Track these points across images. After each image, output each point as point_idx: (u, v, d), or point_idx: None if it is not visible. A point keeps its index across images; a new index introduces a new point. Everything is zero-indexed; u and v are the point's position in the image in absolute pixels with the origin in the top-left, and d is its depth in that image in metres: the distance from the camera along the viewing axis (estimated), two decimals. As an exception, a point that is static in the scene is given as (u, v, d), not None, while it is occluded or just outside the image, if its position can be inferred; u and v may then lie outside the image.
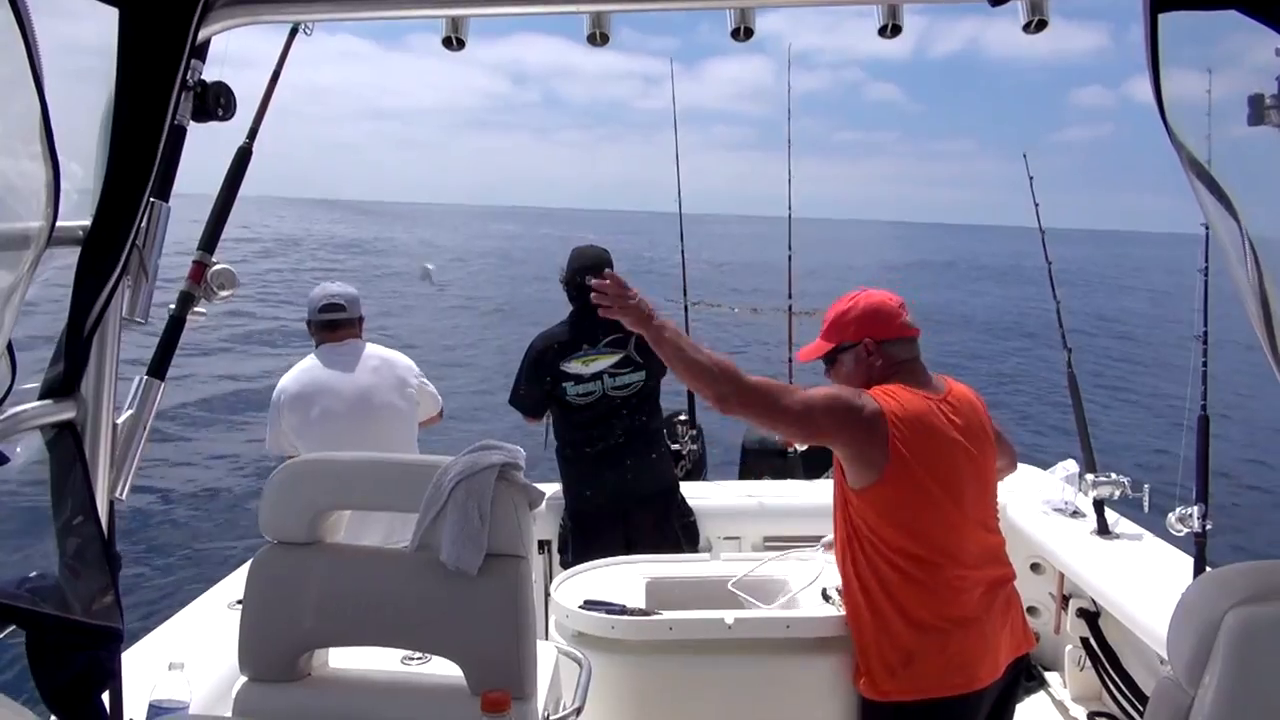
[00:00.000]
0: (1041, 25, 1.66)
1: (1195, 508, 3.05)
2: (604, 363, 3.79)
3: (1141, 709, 3.26)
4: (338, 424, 3.74)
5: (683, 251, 5.73)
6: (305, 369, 3.87)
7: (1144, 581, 3.25)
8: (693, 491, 4.07)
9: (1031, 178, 4.51)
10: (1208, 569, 3.03)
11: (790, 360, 5.27)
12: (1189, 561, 3.17)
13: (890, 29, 1.73)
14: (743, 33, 1.73)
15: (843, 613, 2.54)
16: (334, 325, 3.90)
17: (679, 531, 3.89)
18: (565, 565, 3.86)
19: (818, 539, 3.82)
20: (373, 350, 3.96)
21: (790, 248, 5.78)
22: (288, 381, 3.85)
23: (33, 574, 1.65)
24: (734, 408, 2.31)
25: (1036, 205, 4.45)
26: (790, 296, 5.80)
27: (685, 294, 5.57)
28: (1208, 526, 3.04)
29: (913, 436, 2.32)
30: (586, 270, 3.84)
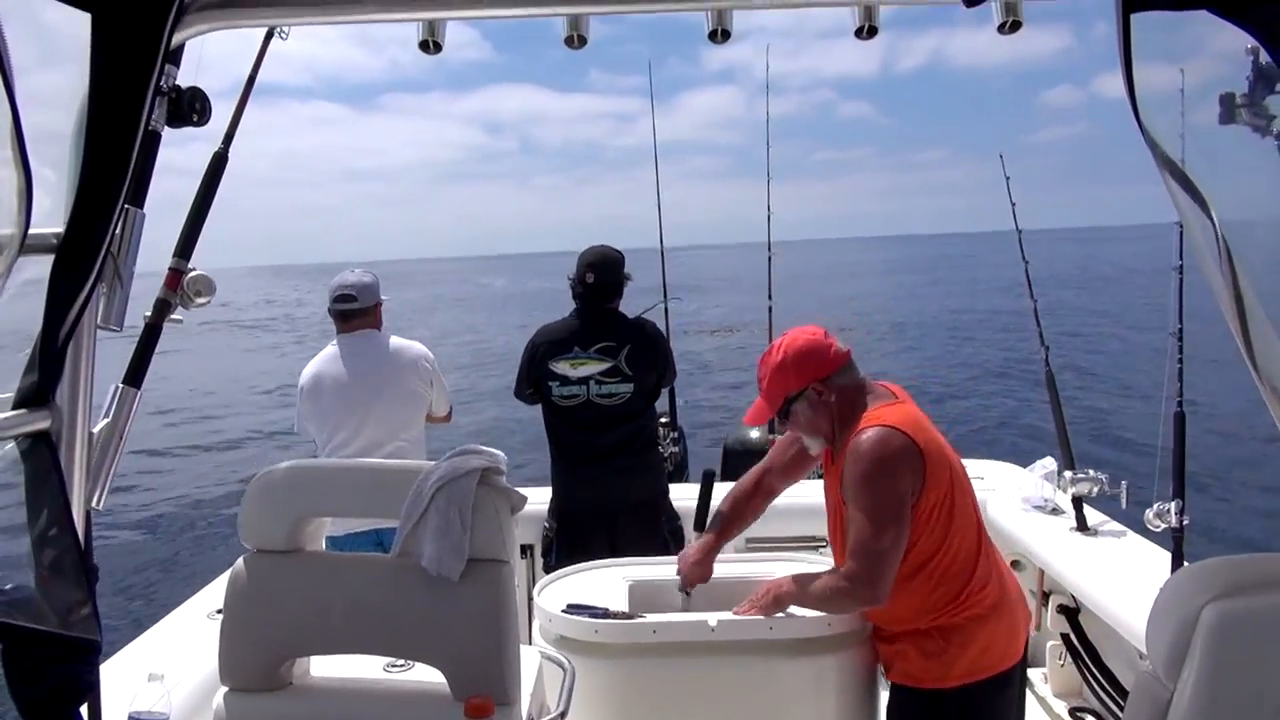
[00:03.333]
0: (1016, 26, 1.67)
1: (1172, 503, 3.08)
2: (592, 368, 3.76)
3: (1122, 704, 3.29)
4: (346, 412, 3.83)
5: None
6: (320, 358, 3.97)
7: (1123, 577, 3.27)
8: (676, 494, 4.06)
9: (1008, 178, 4.54)
10: (1185, 564, 3.06)
11: None
12: (1167, 557, 3.20)
13: (866, 30, 1.74)
14: (720, 34, 1.73)
15: (823, 614, 2.56)
16: (347, 316, 3.96)
17: (667, 536, 3.88)
18: (549, 569, 3.84)
19: (801, 540, 3.83)
20: (384, 339, 4.01)
21: (770, 247, 5.79)
22: (306, 369, 3.96)
23: (8, 586, 1.62)
24: (881, 592, 2.34)
25: (1013, 204, 4.48)
26: (770, 297, 5.79)
27: (665, 291, 5.55)
28: (1185, 522, 3.07)
29: (928, 441, 2.37)
30: (590, 267, 3.83)
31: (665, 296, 5.57)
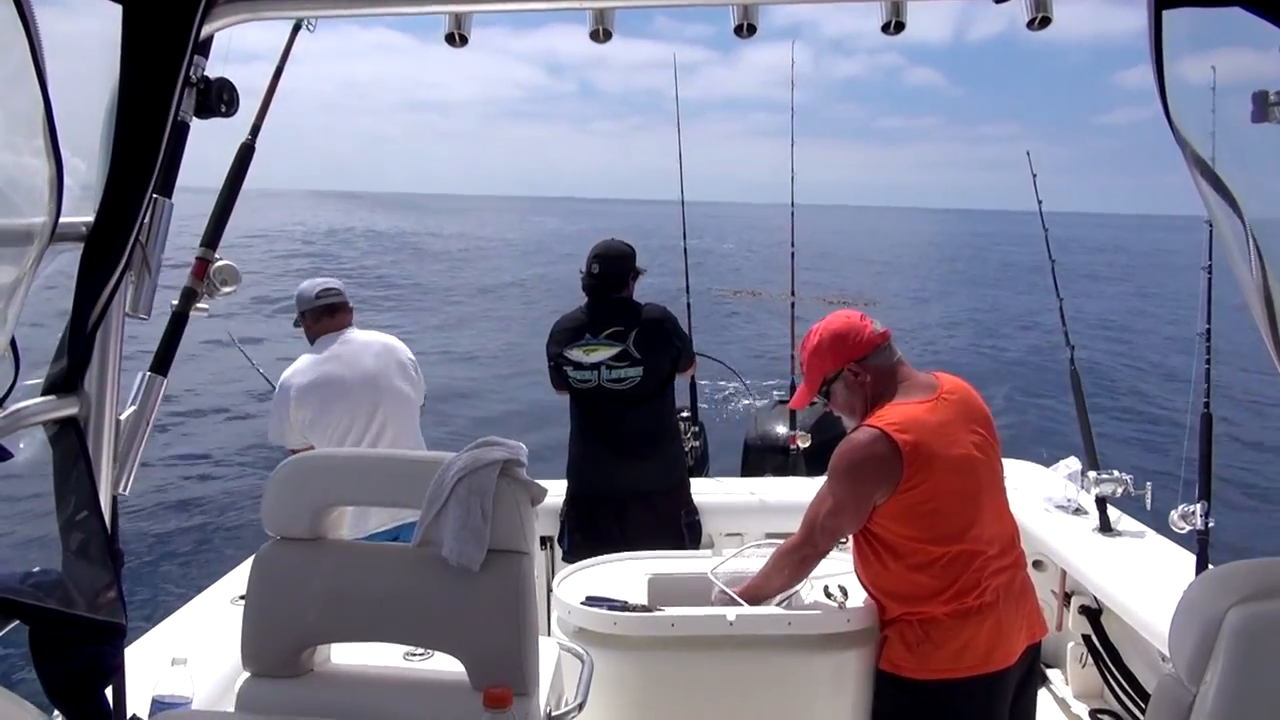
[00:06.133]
0: (1045, 22, 1.66)
1: (1198, 505, 3.05)
2: (602, 354, 3.84)
3: (1143, 706, 3.26)
4: (349, 414, 3.82)
5: (685, 239, 5.69)
6: (311, 362, 3.91)
7: (1146, 579, 3.25)
8: (695, 488, 4.07)
9: (1035, 175, 4.50)
10: (1210, 566, 3.03)
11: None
12: (1191, 559, 3.17)
13: (894, 25, 1.73)
14: (745, 29, 1.73)
15: (843, 609, 2.56)
16: (334, 310, 3.97)
17: (684, 529, 3.90)
18: (564, 555, 3.88)
19: None
20: (371, 337, 4.03)
21: (793, 244, 5.77)
22: (295, 376, 3.88)
23: (36, 569, 1.65)
24: (821, 549, 2.59)
25: (1040, 203, 4.45)
26: (793, 291, 5.78)
27: (687, 282, 5.54)
28: (1210, 524, 3.04)
29: (919, 446, 2.39)
30: (597, 259, 3.93)
31: (689, 294, 5.55)
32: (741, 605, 2.63)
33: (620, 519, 3.82)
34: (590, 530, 3.80)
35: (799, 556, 2.60)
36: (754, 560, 2.84)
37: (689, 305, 5.39)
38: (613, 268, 3.92)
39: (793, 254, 5.69)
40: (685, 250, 5.70)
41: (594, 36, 1.77)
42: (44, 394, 1.65)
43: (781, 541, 2.74)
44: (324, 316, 3.97)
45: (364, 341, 3.98)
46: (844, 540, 3.81)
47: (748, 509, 4.11)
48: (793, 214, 5.80)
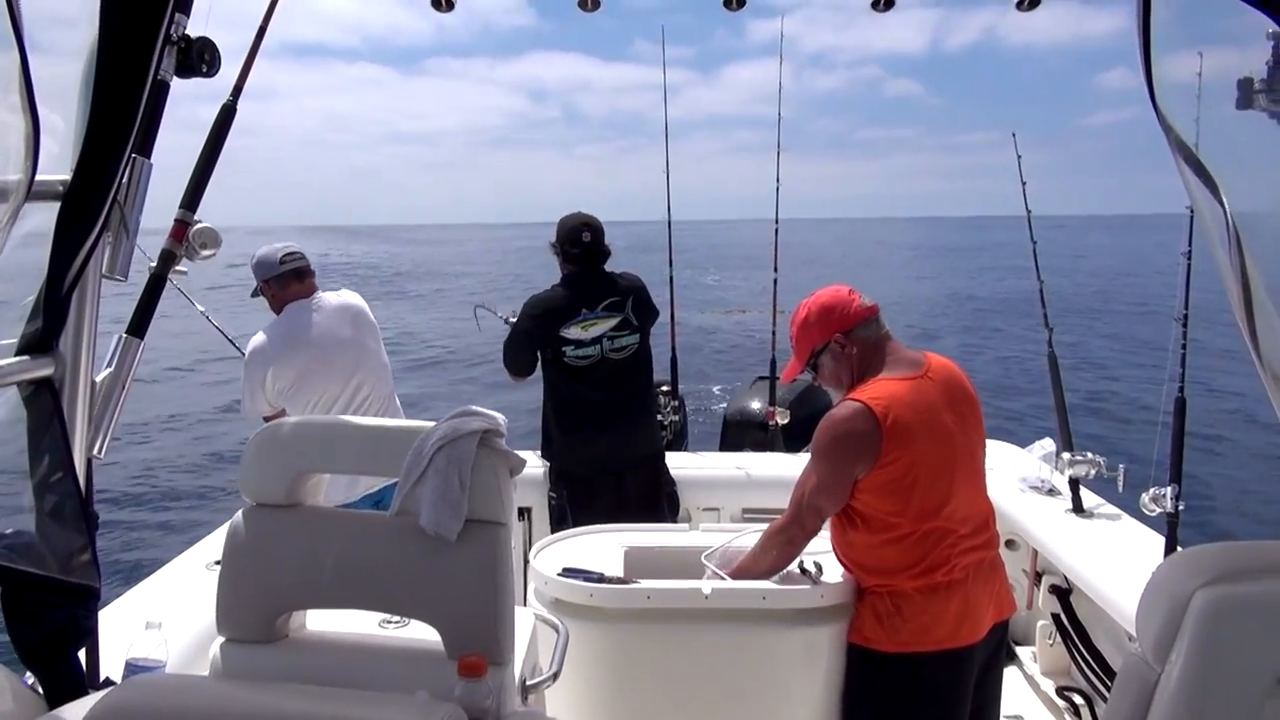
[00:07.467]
0: (1034, 3, 1.66)
1: (1169, 488, 3.09)
2: (603, 326, 3.82)
3: (1109, 684, 3.32)
4: (331, 384, 3.73)
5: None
6: (285, 331, 3.76)
7: (1116, 560, 3.29)
8: (674, 462, 4.08)
9: (1020, 155, 4.50)
10: (1178, 549, 3.07)
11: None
12: (1161, 541, 3.21)
13: (883, 3, 1.73)
14: (735, 2, 1.73)
15: (818, 584, 2.58)
16: (301, 274, 3.81)
17: (664, 500, 3.93)
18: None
19: None
20: (343, 300, 3.90)
21: (777, 219, 5.76)
22: (270, 346, 3.71)
23: (9, 531, 1.64)
24: (809, 528, 2.59)
25: (1024, 184, 4.45)
26: (775, 268, 5.77)
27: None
28: (1180, 507, 3.08)
29: (899, 421, 2.41)
30: (587, 227, 3.87)
31: (671, 267, 5.53)
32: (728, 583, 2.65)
33: (619, 489, 3.84)
34: (588, 506, 3.78)
35: (785, 537, 2.61)
36: (747, 540, 2.85)
37: (672, 280, 5.37)
38: (602, 235, 3.91)
39: (776, 228, 5.68)
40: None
41: (582, 6, 1.76)
42: (18, 354, 1.63)
43: (767, 522, 2.76)
44: (292, 282, 3.79)
45: (338, 306, 3.84)
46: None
47: (725, 483, 4.13)
48: (778, 188, 5.78)
